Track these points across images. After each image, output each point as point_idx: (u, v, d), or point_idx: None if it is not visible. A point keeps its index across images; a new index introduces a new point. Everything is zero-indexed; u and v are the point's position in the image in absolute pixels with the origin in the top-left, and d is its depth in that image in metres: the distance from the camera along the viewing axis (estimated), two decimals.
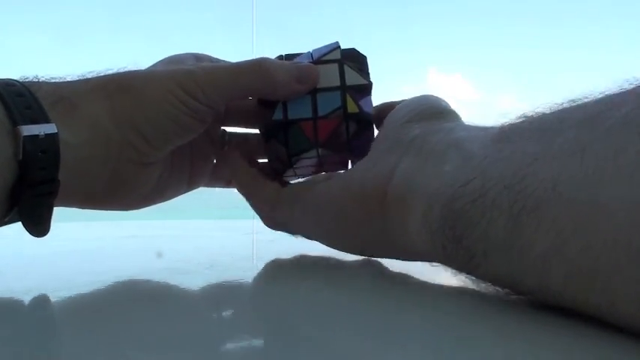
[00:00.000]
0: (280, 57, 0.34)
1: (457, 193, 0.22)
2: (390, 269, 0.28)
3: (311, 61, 0.32)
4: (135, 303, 0.21)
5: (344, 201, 0.28)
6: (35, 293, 0.23)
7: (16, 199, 0.25)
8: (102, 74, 0.30)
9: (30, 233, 0.26)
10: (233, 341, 0.16)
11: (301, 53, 0.34)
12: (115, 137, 0.28)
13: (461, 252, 0.22)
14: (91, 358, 0.14)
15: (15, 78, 0.28)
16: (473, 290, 0.23)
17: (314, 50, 0.33)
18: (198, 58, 0.34)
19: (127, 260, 0.30)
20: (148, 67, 0.33)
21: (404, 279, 0.26)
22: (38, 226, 0.26)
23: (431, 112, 0.29)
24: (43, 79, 0.29)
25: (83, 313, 0.20)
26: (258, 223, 0.37)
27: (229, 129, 0.37)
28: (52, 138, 0.25)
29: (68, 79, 0.30)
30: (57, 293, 0.22)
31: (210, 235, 0.37)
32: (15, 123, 0.24)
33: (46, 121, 0.25)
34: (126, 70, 0.31)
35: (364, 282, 0.26)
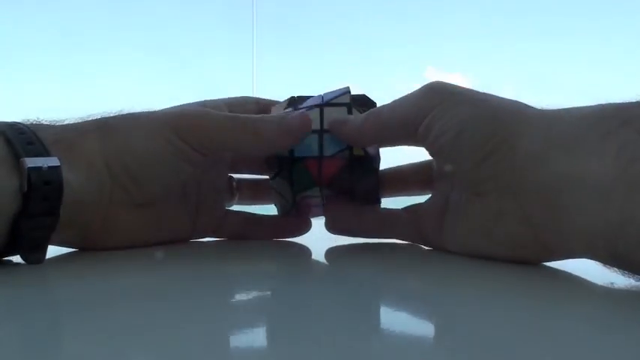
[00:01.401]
0: (292, 99, 0.35)
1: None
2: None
3: (321, 103, 0.33)
4: (132, 302, 0.21)
5: None
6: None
7: (18, 231, 0.26)
8: (100, 116, 0.31)
9: (25, 261, 0.27)
10: (235, 340, 0.16)
11: (312, 96, 0.34)
12: (107, 179, 0.29)
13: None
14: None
15: (18, 120, 0.29)
16: None
17: (325, 94, 0.34)
18: (202, 104, 0.34)
19: (124, 261, 0.30)
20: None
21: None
22: (35, 254, 0.27)
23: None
24: (45, 121, 0.30)
25: (88, 304, 0.20)
26: None
27: (237, 176, 0.38)
28: (55, 170, 0.26)
29: (67, 121, 0.31)
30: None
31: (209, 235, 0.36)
32: (18, 157, 0.25)
33: (48, 155, 0.26)
34: (124, 112, 0.32)
35: (348, 287, 0.26)
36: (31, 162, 0.25)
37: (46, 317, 0.19)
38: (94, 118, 0.31)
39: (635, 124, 0.24)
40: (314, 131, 0.32)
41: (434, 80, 0.30)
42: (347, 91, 0.34)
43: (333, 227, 0.35)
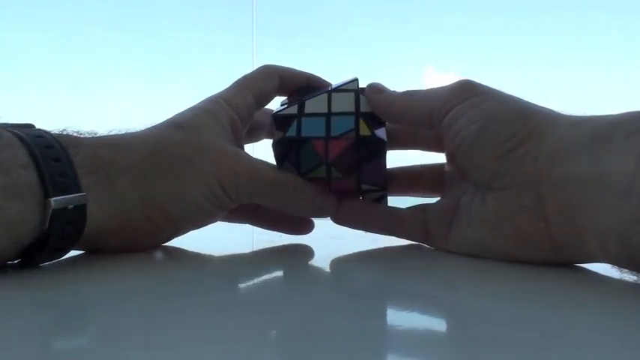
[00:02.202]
0: (299, 90, 0.35)
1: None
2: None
3: (329, 90, 0.33)
4: (130, 305, 0.21)
5: None
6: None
7: (28, 252, 0.25)
8: (145, 138, 0.30)
9: (20, 266, 0.26)
10: (230, 341, 0.16)
11: (322, 80, 0.35)
12: (139, 215, 0.29)
13: None
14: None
15: (57, 132, 0.28)
16: None
17: (334, 85, 0.35)
18: (230, 102, 0.34)
19: (120, 263, 0.29)
20: (197, 107, 0.33)
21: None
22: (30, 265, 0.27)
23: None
24: (85, 134, 0.29)
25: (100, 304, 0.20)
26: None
27: None
28: (80, 209, 0.26)
29: (113, 132, 0.31)
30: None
31: (209, 236, 0.36)
32: (46, 194, 0.24)
33: (78, 190, 0.26)
34: (175, 123, 0.31)
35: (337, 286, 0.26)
36: (57, 202, 0.25)
37: (47, 317, 0.19)
38: (140, 144, 0.30)
39: None
40: (322, 114, 0.32)
41: (466, 78, 0.31)
42: (355, 79, 0.34)
43: (338, 216, 0.35)
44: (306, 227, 0.37)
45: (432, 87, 0.32)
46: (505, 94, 0.30)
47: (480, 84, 0.31)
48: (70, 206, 0.25)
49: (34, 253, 0.25)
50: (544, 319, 0.19)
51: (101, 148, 0.29)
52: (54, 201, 0.24)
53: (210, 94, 0.35)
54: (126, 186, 0.28)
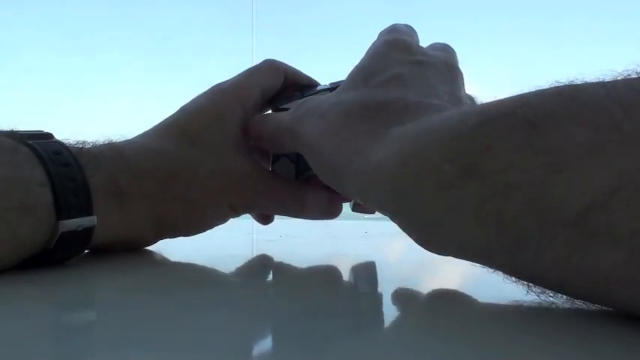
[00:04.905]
0: (302, 86, 0.35)
1: None
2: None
3: (329, 87, 0.33)
4: (129, 305, 0.21)
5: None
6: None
7: (26, 260, 0.25)
8: (161, 162, 0.30)
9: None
10: (231, 341, 0.16)
11: (320, 84, 0.35)
12: (147, 235, 0.31)
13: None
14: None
15: (74, 144, 0.28)
16: None
17: (334, 82, 0.34)
18: (241, 99, 0.33)
19: (121, 260, 0.29)
20: (205, 96, 0.33)
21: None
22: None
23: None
24: (99, 142, 0.29)
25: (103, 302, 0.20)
26: (258, 223, 0.37)
27: None
28: (88, 230, 0.26)
29: (136, 135, 0.31)
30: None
31: (209, 235, 0.36)
32: (59, 216, 0.25)
33: (89, 213, 0.26)
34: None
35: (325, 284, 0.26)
36: (67, 225, 0.25)
37: (48, 316, 0.19)
38: (159, 163, 0.30)
39: None
40: None
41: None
42: None
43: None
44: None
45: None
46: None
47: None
48: (79, 229, 0.25)
49: (32, 264, 0.25)
50: (545, 320, 0.19)
51: (118, 172, 0.29)
52: (64, 224, 0.25)
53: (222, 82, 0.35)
54: (139, 211, 0.29)
